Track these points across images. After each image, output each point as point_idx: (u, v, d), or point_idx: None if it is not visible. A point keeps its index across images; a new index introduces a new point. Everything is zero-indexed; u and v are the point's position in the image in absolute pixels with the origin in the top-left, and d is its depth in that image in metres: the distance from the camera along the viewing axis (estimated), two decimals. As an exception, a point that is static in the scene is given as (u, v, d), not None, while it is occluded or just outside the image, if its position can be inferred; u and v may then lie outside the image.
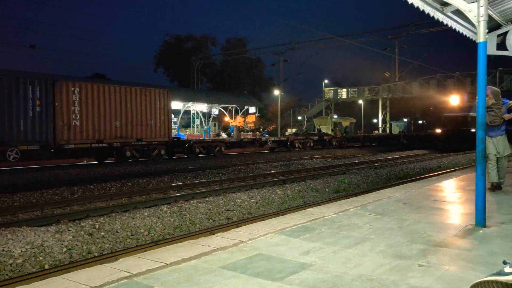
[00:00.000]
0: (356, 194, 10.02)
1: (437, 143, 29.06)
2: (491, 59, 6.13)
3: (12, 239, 6.37)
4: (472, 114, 25.77)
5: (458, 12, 5.85)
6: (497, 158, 7.28)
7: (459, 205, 6.29)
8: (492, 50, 6.87)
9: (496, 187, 7.34)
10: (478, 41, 4.72)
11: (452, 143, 27.34)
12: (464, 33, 6.61)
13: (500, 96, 7.25)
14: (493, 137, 7.24)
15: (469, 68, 42.25)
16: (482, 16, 4.61)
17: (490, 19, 5.83)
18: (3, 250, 6.06)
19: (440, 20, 5.97)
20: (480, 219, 4.82)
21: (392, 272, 3.41)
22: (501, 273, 2.35)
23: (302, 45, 47.44)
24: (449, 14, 6.07)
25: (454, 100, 27.97)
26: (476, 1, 4.68)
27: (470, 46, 7.05)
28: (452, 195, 7.36)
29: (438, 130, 28.78)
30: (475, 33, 4.90)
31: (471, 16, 4.71)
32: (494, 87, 7.37)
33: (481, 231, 4.69)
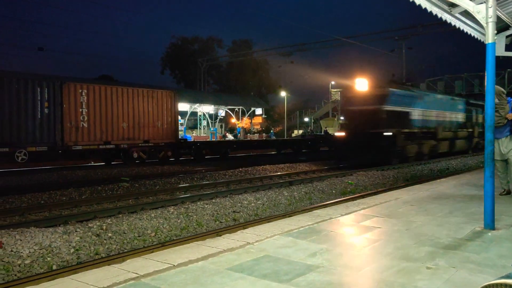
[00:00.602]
0: (363, 196, 9.98)
1: (338, 151, 19.94)
2: (499, 60, 6.10)
3: (21, 240, 6.42)
4: (386, 107, 17.82)
5: (466, 13, 5.82)
6: (507, 161, 7.00)
7: (468, 207, 6.25)
8: (501, 51, 6.83)
9: (508, 192, 7.18)
10: (486, 42, 4.70)
11: (354, 153, 17.80)
12: (473, 34, 6.58)
13: (505, 96, 6.96)
14: (498, 139, 6.89)
15: (477, 69, 41.97)
16: (490, 17, 4.58)
17: (498, 20, 5.80)
18: (11, 251, 6.10)
19: (448, 21, 5.94)
20: (489, 222, 4.79)
21: (399, 274, 3.39)
22: (510, 276, 2.32)
23: (308, 47, 47.41)
24: (457, 15, 6.04)
25: (361, 85, 18.14)
26: (485, 2, 4.65)
27: (478, 47, 7.01)
28: (460, 197, 7.31)
29: (338, 133, 19.62)
30: (484, 34, 4.87)
31: (480, 17, 4.69)
32: (497, 86, 6.83)
33: (489, 234, 4.65)
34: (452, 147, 23.81)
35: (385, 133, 17.32)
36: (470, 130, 26.25)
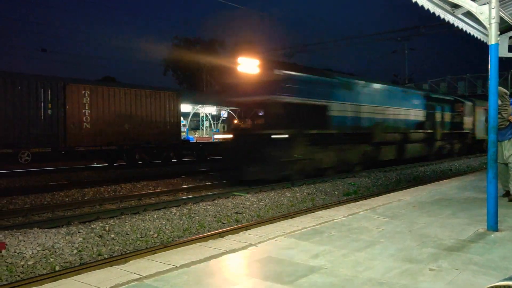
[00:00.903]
0: (365, 197, 9.96)
1: (223, 161, 14.74)
2: (502, 61, 6.08)
3: (24, 241, 6.44)
4: (280, 98, 12.31)
5: (469, 14, 5.81)
6: (508, 164, 6.79)
7: (471, 209, 6.23)
8: (504, 52, 6.81)
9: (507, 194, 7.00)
10: (489, 43, 4.69)
11: (236, 163, 12.60)
12: (475, 35, 6.57)
13: (507, 97, 6.76)
14: (501, 141, 6.68)
15: (480, 70, 41.85)
16: (493, 18, 4.58)
17: (501, 21, 5.79)
18: (14, 252, 6.12)
19: (451, 22, 5.93)
20: (492, 223, 4.77)
21: (402, 276, 3.39)
22: (513, 278, 2.32)
23: (309, 48, 47.36)
24: (460, 16, 6.03)
25: (245, 65, 12.53)
26: (488, 3, 4.65)
27: (481, 48, 6.99)
28: (463, 199, 7.29)
29: (221, 135, 14.46)
30: (487, 35, 4.86)
31: (482, 18, 4.68)
32: (500, 87, 6.63)
33: (493, 235, 4.64)
34: (402, 153, 18.66)
35: (274, 136, 11.91)
36: (431, 131, 21.13)
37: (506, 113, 6.68)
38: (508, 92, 6.80)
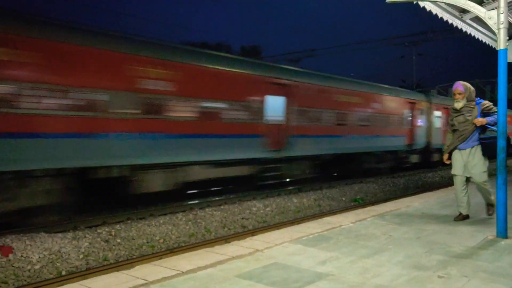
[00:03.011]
0: (373, 203, 9.90)
1: None
2: (511, 66, 6.04)
3: (31, 245, 6.46)
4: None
5: (477, 19, 5.79)
6: (472, 178, 5.60)
7: (480, 216, 6.15)
8: (513, 57, 6.75)
9: (465, 217, 5.77)
10: (498, 49, 4.65)
11: None
12: (484, 40, 6.53)
13: (474, 95, 5.64)
14: (463, 149, 5.57)
15: (489, 75, 41.61)
16: (502, 23, 4.54)
17: (510, 26, 5.74)
18: (21, 256, 6.14)
19: (459, 27, 5.91)
20: (501, 230, 4.71)
21: (410, 283, 3.34)
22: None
23: (317, 52, 47.41)
24: (468, 21, 6.02)
25: None
26: (496, 8, 4.61)
27: (490, 52, 6.94)
28: (472, 205, 7.19)
29: None
30: (495, 41, 4.82)
31: (491, 23, 4.65)
32: (467, 83, 5.64)
33: (502, 242, 4.57)
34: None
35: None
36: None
37: (470, 116, 5.49)
38: (474, 90, 5.67)
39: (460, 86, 5.55)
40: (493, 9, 4.80)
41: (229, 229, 8.43)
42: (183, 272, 3.64)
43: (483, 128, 5.48)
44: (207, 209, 9.53)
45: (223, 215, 9.15)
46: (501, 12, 4.54)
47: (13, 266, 5.87)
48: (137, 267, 4.02)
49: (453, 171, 5.70)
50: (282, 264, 3.86)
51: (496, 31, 4.65)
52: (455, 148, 5.65)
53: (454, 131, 5.66)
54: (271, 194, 11.73)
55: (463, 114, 5.52)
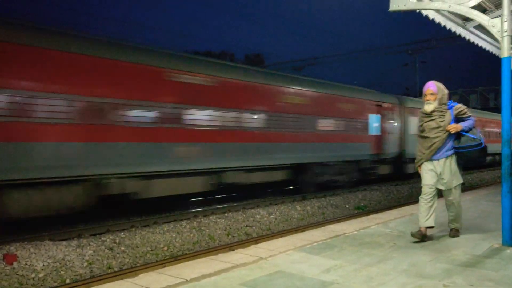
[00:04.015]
0: (377, 211, 9.87)
1: None
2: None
3: (35, 253, 6.46)
4: None
5: (481, 27, 5.80)
6: (443, 191, 5.06)
7: (485, 224, 6.13)
8: (517, 65, 6.75)
9: (424, 236, 4.96)
10: (502, 57, 4.66)
11: None
12: (487, 48, 6.54)
13: (447, 98, 4.98)
14: (435, 160, 4.92)
15: (493, 82, 41.57)
16: (506, 31, 4.55)
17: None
18: (25, 264, 6.15)
19: (462, 35, 5.93)
20: (507, 238, 4.68)
21: (416, 292, 3.32)
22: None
23: (320, 60, 47.53)
24: (471, 29, 6.03)
25: None
26: (500, 16, 4.63)
27: (493, 60, 6.95)
28: (477, 213, 7.17)
29: None
30: (499, 48, 4.84)
31: (495, 31, 4.66)
32: (441, 84, 5.00)
33: (508, 251, 4.55)
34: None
35: None
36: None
37: (443, 121, 4.83)
38: (448, 92, 5.02)
39: (433, 86, 4.91)
40: (496, 17, 4.81)
41: (233, 236, 8.42)
42: (187, 280, 3.64)
43: (457, 135, 4.88)
44: (211, 217, 9.52)
45: (227, 222, 9.14)
46: (505, 20, 4.55)
47: (17, 274, 5.87)
48: (141, 275, 4.02)
49: (423, 182, 5.02)
50: (286, 272, 3.85)
51: (499, 39, 4.66)
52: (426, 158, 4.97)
53: (424, 138, 4.97)
54: (274, 202, 11.71)
55: (434, 119, 4.87)
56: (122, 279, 4.57)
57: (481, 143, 4.81)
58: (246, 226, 9.13)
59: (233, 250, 5.88)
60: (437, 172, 4.93)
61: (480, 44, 6.67)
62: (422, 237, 4.92)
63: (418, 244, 4.87)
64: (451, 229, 5.25)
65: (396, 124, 16.82)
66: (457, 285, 3.47)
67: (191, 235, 8.16)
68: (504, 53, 4.62)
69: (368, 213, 9.91)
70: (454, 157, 4.92)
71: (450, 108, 4.90)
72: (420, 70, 45.15)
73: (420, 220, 4.98)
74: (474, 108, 32.86)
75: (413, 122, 16.58)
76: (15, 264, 6.09)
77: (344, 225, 6.22)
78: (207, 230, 8.50)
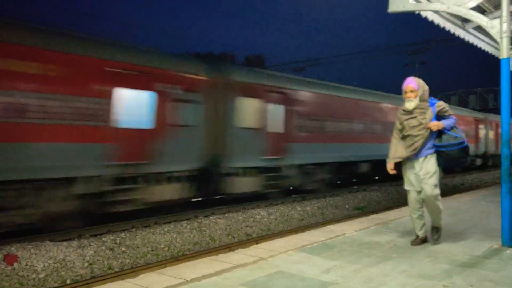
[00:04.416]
0: (377, 211, 9.88)
1: None
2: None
3: (35, 254, 6.48)
4: None
5: (480, 28, 5.82)
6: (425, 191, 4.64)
7: (485, 224, 6.14)
8: (516, 66, 6.77)
9: (422, 241, 4.85)
10: (500, 58, 4.68)
11: None
12: (486, 49, 6.56)
13: (428, 94, 4.71)
14: (415, 159, 4.64)
15: (492, 83, 41.59)
16: (505, 33, 4.57)
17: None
18: (26, 265, 6.16)
19: (461, 36, 5.95)
20: (507, 239, 4.70)
21: (415, 292, 3.34)
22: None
23: (320, 61, 47.57)
24: (471, 30, 6.05)
25: None
26: (499, 17, 4.65)
27: (492, 61, 6.96)
28: (477, 214, 7.18)
29: None
30: (498, 49, 4.85)
31: (494, 32, 4.68)
32: (421, 80, 4.71)
33: (508, 251, 4.56)
34: None
35: None
36: None
37: (424, 118, 4.57)
38: (428, 89, 4.72)
39: (413, 82, 4.62)
40: (495, 18, 4.82)
41: (233, 237, 8.43)
42: (187, 281, 3.65)
43: (438, 134, 4.62)
44: (211, 217, 9.53)
45: (227, 223, 9.15)
46: (504, 21, 4.57)
47: (18, 275, 5.88)
48: (141, 275, 4.03)
49: (406, 186, 4.80)
50: (287, 272, 3.86)
51: (498, 40, 4.68)
52: (406, 158, 4.69)
53: (404, 137, 4.68)
54: (275, 202, 11.73)
55: (415, 116, 4.57)
56: (122, 279, 4.58)
57: (463, 142, 4.58)
58: (246, 226, 9.15)
59: (233, 250, 5.89)
60: (417, 172, 4.65)
61: (479, 45, 6.69)
62: (422, 242, 4.86)
63: (417, 245, 4.88)
64: (434, 233, 4.95)
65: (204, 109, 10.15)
66: (457, 285, 3.49)
67: (192, 235, 8.18)
68: (503, 54, 4.64)
69: (367, 213, 9.92)
70: (434, 156, 4.64)
71: (432, 105, 4.65)
72: (420, 71, 45.16)
73: (416, 229, 4.88)
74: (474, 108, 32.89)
75: (248, 107, 11.04)
76: (15, 264, 6.11)
77: (344, 225, 6.23)
78: (208, 231, 8.52)
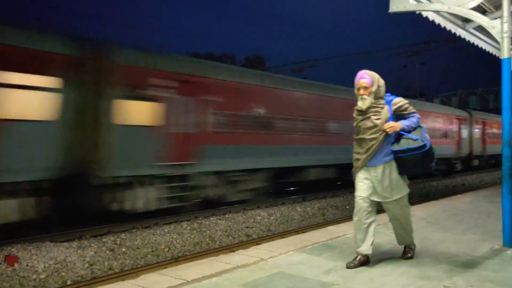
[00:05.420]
0: (377, 212, 9.86)
1: None
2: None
3: (36, 254, 6.47)
4: None
5: (481, 28, 5.81)
6: (382, 203, 4.12)
7: (485, 225, 6.13)
8: (517, 66, 6.76)
9: (364, 264, 4.03)
10: (502, 58, 4.67)
11: None
12: (487, 49, 6.56)
13: (383, 90, 4.00)
14: (372, 166, 3.96)
15: (492, 83, 41.60)
16: (506, 33, 4.57)
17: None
18: (27, 265, 6.16)
19: (462, 36, 5.94)
20: (508, 239, 4.69)
21: (416, 293, 3.33)
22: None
23: (320, 62, 47.58)
24: (471, 30, 6.04)
25: None
26: (500, 17, 4.64)
27: (493, 61, 6.96)
28: (478, 214, 7.17)
29: None
30: (499, 49, 4.85)
31: (494, 32, 4.67)
32: (375, 74, 4.03)
33: (509, 252, 4.55)
34: None
35: None
36: None
37: (379, 119, 3.91)
38: (384, 83, 4.02)
39: (366, 77, 3.94)
40: (496, 18, 4.82)
41: (234, 238, 8.42)
42: (188, 281, 3.64)
43: (397, 137, 3.93)
44: (211, 218, 9.53)
45: (227, 224, 9.15)
46: (505, 21, 4.57)
47: (18, 275, 5.88)
48: (142, 276, 4.03)
49: (356, 193, 4.07)
50: (287, 273, 3.85)
51: (499, 40, 4.67)
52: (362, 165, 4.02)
53: (360, 140, 4.02)
54: (275, 203, 11.72)
55: (369, 116, 3.92)
56: (123, 280, 4.58)
57: (424, 145, 3.84)
58: (247, 227, 9.14)
59: (233, 251, 5.89)
60: (373, 181, 3.96)
61: (480, 45, 6.68)
62: (362, 264, 4.01)
63: (418, 245, 4.86)
64: (404, 249, 4.37)
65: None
66: (458, 286, 3.48)
67: (192, 236, 8.17)
68: (504, 54, 4.63)
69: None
70: (394, 164, 3.93)
71: (388, 102, 3.97)
72: (420, 72, 45.21)
73: (356, 244, 4.02)
74: (475, 109, 32.69)
75: (138, 99, 8.59)
76: (16, 265, 6.11)
77: (345, 226, 6.23)
78: (208, 231, 8.51)
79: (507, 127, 4.65)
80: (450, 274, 3.78)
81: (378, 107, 3.93)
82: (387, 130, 3.84)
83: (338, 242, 5.11)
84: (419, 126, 3.97)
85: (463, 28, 6.01)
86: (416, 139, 3.85)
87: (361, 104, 3.94)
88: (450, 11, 5.03)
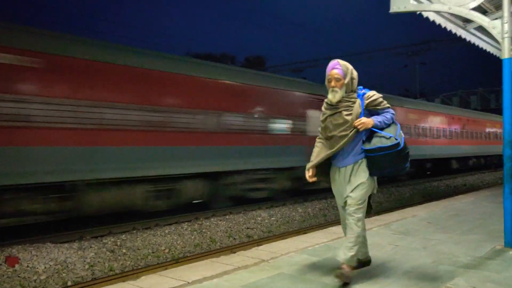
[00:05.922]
0: (378, 213, 9.85)
1: None
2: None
3: (37, 255, 6.47)
4: None
5: (481, 29, 5.80)
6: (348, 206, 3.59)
7: (487, 225, 6.12)
8: (517, 66, 6.75)
9: (364, 263, 3.87)
10: (502, 58, 4.66)
11: None
12: (488, 50, 6.55)
13: (356, 83, 3.63)
14: (342, 166, 3.62)
15: (493, 83, 41.58)
16: (506, 33, 4.56)
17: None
18: (27, 266, 6.15)
19: (463, 36, 5.93)
20: (509, 240, 4.67)
21: (418, 294, 3.32)
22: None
23: (319, 63, 47.55)
24: (472, 30, 6.04)
25: None
26: (500, 17, 4.64)
27: (494, 61, 6.95)
28: (479, 214, 7.16)
29: None
30: (499, 50, 4.84)
31: (495, 32, 4.67)
32: (348, 64, 3.66)
33: (510, 252, 4.54)
34: None
35: None
36: None
37: (350, 114, 3.53)
38: (357, 75, 3.64)
39: (338, 67, 3.59)
40: (497, 18, 4.81)
41: (235, 239, 8.41)
42: (188, 283, 3.64)
43: (369, 134, 3.57)
44: (212, 219, 9.52)
45: (228, 225, 9.13)
46: (505, 21, 4.56)
47: (19, 276, 5.88)
48: (142, 277, 4.03)
49: (338, 202, 3.80)
50: (288, 274, 3.84)
51: (500, 40, 4.66)
52: (330, 165, 3.72)
53: (328, 138, 3.64)
54: (276, 204, 11.71)
55: (340, 112, 3.55)
56: (123, 281, 4.56)
57: (397, 144, 3.45)
58: (248, 228, 9.13)
59: (234, 252, 5.88)
60: (344, 183, 3.61)
61: (480, 46, 6.68)
62: (362, 265, 3.79)
63: (420, 246, 4.87)
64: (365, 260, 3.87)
65: None
66: (459, 286, 3.47)
67: (193, 237, 8.16)
68: (505, 54, 4.62)
69: (369, 215, 9.90)
70: (364, 163, 3.57)
71: (360, 96, 3.60)
72: (420, 72, 45.21)
73: (339, 254, 3.60)
74: (475, 109, 32.69)
75: None
76: (17, 266, 6.10)
77: (346, 227, 6.21)
78: (208, 232, 8.50)
79: (509, 127, 4.63)
80: (451, 275, 3.77)
81: (350, 101, 3.55)
82: (358, 126, 3.47)
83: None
84: (393, 122, 3.60)
85: (464, 29, 6.00)
86: (390, 137, 3.47)
87: (332, 97, 3.57)
88: (450, 11, 5.02)
